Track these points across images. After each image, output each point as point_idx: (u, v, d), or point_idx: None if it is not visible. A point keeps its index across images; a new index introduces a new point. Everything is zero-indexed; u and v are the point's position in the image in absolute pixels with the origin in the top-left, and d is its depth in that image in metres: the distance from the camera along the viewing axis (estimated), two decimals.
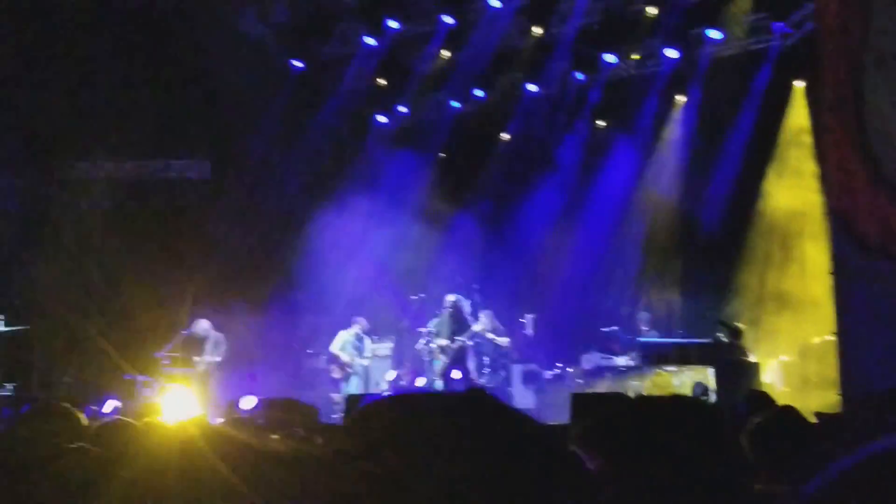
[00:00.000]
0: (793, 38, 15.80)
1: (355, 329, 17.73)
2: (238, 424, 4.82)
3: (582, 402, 10.40)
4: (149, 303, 17.91)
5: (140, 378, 16.52)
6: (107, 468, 3.78)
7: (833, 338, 13.66)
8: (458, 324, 15.56)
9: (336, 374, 17.65)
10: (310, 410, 11.90)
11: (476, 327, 16.77)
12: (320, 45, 18.71)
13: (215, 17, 19.02)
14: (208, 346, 17.10)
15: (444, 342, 15.53)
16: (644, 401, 2.08)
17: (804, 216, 15.98)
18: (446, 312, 15.64)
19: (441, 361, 16.90)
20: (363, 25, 18.41)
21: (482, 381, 16.64)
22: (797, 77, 16.31)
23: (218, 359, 17.06)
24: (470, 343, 15.76)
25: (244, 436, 4.05)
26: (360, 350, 17.65)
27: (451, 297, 15.83)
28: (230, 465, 3.43)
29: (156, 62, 18.91)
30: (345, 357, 17.59)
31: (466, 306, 16.44)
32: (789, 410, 4.66)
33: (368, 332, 18.17)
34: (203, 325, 17.15)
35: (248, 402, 11.48)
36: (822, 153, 9.87)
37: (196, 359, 17.08)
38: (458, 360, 15.68)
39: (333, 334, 18.55)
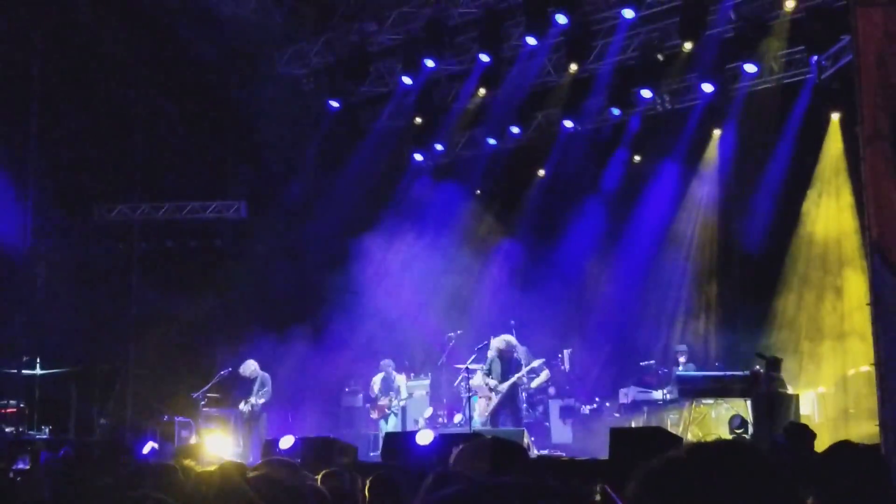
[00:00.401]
0: (829, 70, 15.75)
1: (382, 373, 17.73)
2: (277, 465, 4.81)
3: (621, 437, 10.35)
4: (187, 343, 18.04)
5: (178, 419, 16.58)
6: None
7: (870, 368, 13.55)
8: (510, 364, 15.50)
9: (374, 415, 17.65)
10: (349, 449, 11.95)
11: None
12: (356, 84, 18.86)
13: (253, 59, 19.30)
14: (255, 387, 17.13)
15: (493, 382, 15.46)
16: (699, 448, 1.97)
17: (842, 248, 15.89)
18: (496, 353, 15.59)
19: (486, 401, 16.87)
20: (399, 64, 18.56)
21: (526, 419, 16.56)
22: (834, 109, 16.24)
23: (264, 399, 17.08)
24: (522, 383, 15.72)
25: (282, 476, 4.06)
26: (392, 390, 17.63)
27: (506, 338, 15.77)
28: None
29: (193, 104, 19.17)
30: (382, 400, 17.59)
31: (519, 349, 16.39)
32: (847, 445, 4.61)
33: (405, 371, 18.17)
34: (251, 367, 17.18)
35: (287, 442, 11.54)
36: (861, 186, 9.80)
37: (243, 400, 17.12)
38: (509, 401, 15.57)
39: (371, 372, 18.59)
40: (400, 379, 17.75)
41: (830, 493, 3.90)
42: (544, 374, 16.95)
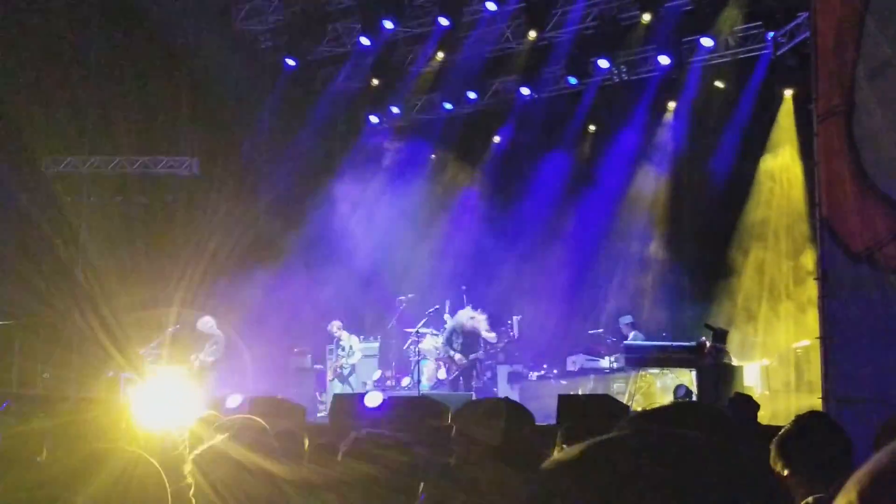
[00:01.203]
0: (784, 47, 15.90)
1: (331, 330, 17.82)
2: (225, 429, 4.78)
3: (569, 404, 10.50)
4: (135, 300, 17.88)
5: (123, 375, 16.45)
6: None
7: (813, 342, 13.82)
8: (473, 338, 15.79)
9: (329, 377, 17.72)
10: (297, 410, 11.96)
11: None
12: (314, 43, 18.70)
13: (209, 15, 19.04)
14: (208, 344, 17.02)
15: (458, 356, 15.86)
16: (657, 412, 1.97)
17: (790, 222, 16.11)
18: (460, 327, 15.89)
19: (435, 365, 17.03)
20: (358, 25, 18.42)
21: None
22: (787, 86, 16.41)
23: (212, 358, 16.97)
24: (481, 358, 16.15)
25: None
26: (340, 350, 17.69)
27: (474, 315, 16.04)
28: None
29: (146, 58, 18.88)
30: (330, 360, 17.65)
31: (478, 317, 16.55)
32: (821, 416, 4.69)
33: (355, 332, 18.21)
34: (209, 323, 17.04)
35: (235, 401, 11.52)
36: (813, 162, 9.94)
37: (192, 356, 17.01)
38: (469, 371, 15.96)
39: (320, 333, 18.59)
40: (352, 339, 17.76)
41: (803, 464, 3.95)
42: (492, 336, 17.08)
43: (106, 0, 18.39)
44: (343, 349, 17.69)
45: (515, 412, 4.00)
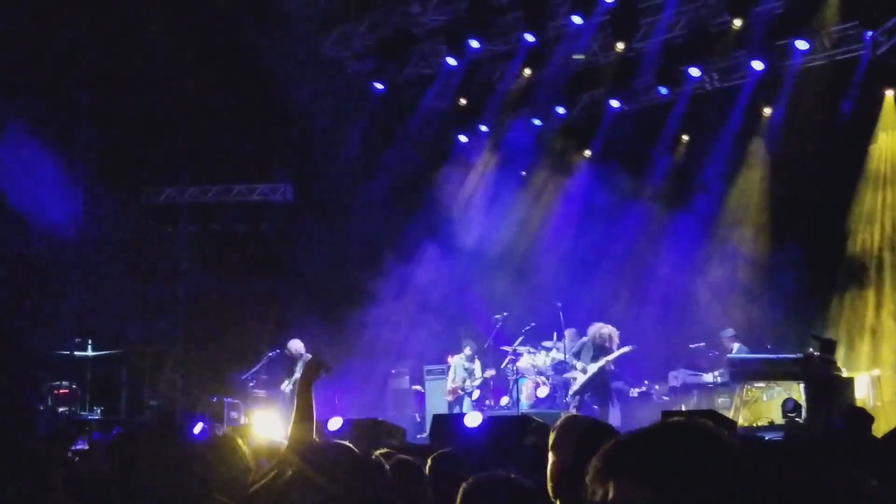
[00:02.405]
0: (883, 46, 15.42)
1: (465, 352, 17.64)
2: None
3: None
4: (235, 326, 18.15)
5: (227, 400, 16.70)
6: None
7: None
8: (601, 350, 15.40)
9: (448, 398, 17.53)
10: (397, 431, 11.94)
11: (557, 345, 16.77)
12: (401, 66, 18.79)
13: (297, 42, 19.29)
14: (297, 366, 17.17)
15: (580, 364, 15.47)
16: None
17: None
18: (591, 340, 15.55)
19: (533, 383, 16.84)
20: (444, 46, 18.46)
21: (567, 399, 16.49)
22: (888, 86, 15.93)
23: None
24: (611, 368, 15.60)
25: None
26: (470, 372, 17.54)
27: (603, 327, 15.67)
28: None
29: (238, 87, 19.20)
30: (456, 383, 17.49)
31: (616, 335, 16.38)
32: None
33: (452, 353, 18.15)
34: (296, 346, 17.20)
35: (335, 424, 11.54)
36: None
37: (286, 380, 17.18)
38: (598, 383, 15.47)
39: (416, 354, 18.62)
40: (476, 363, 17.62)
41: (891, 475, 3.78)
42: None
43: (199, 32, 18.74)
44: (466, 370, 17.56)
45: (592, 432, 3.82)
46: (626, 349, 15.43)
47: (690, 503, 1.81)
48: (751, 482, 1.85)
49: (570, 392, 15.56)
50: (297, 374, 17.06)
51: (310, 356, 17.12)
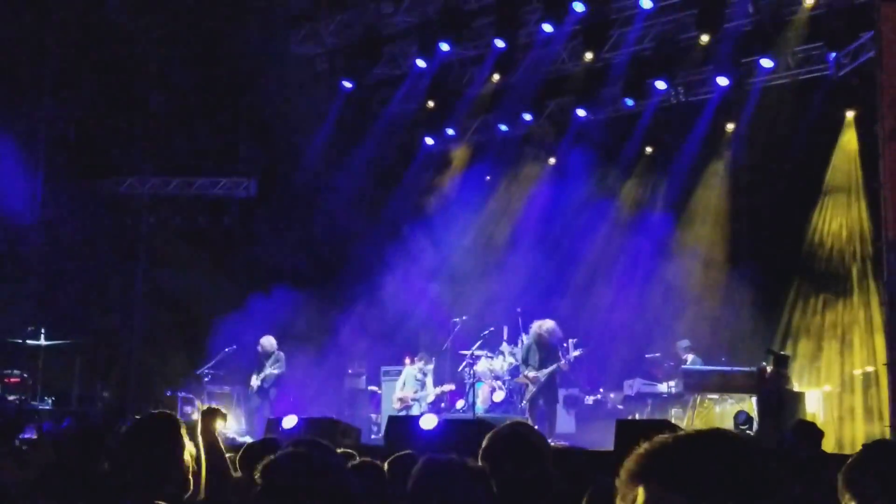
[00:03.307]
0: (847, 68, 15.64)
1: (419, 364, 17.57)
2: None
3: (627, 429, 10.30)
4: (193, 319, 18.03)
5: (181, 394, 16.59)
6: None
7: (875, 369, 13.52)
8: (549, 351, 15.26)
9: (396, 406, 17.43)
10: (352, 430, 11.93)
11: (506, 350, 16.78)
12: (370, 66, 18.78)
13: (266, 38, 19.22)
14: (270, 361, 17.15)
15: (532, 373, 15.27)
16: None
17: (853, 248, 15.82)
18: (534, 339, 15.36)
19: (489, 388, 16.81)
20: (414, 47, 18.48)
21: (523, 404, 16.54)
22: (849, 107, 16.15)
23: (277, 371, 17.09)
24: (559, 370, 15.42)
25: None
26: (422, 384, 17.47)
27: (546, 324, 15.47)
28: None
29: (205, 80, 19.10)
30: (406, 391, 17.41)
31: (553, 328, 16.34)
32: (890, 445, 4.52)
33: (408, 355, 18.11)
34: (270, 341, 17.17)
35: (290, 422, 11.51)
36: (878, 184, 9.73)
37: (254, 376, 17.13)
38: (547, 388, 15.32)
39: (375, 355, 18.59)
40: (429, 378, 17.56)
41: (872, 495, 3.82)
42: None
43: (168, 23, 18.63)
44: (418, 380, 17.46)
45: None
46: (576, 353, 15.45)
47: None
48: (785, 496, 1.85)
49: (524, 399, 15.50)
50: (268, 371, 17.02)
51: (281, 353, 17.11)
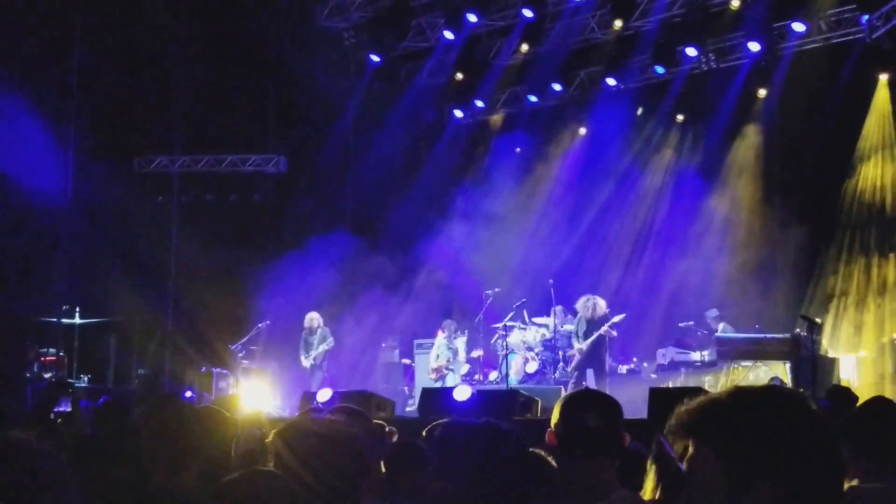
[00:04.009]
0: (880, 30, 15.40)
1: (445, 332, 17.61)
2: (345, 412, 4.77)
3: (660, 397, 10.28)
4: (226, 296, 18.13)
5: (216, 371, 16.70)
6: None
7: None
8: (594, 324, 15.38)
9: (432, 377, 17.52)
10: (386, 403, 11.98)
11: (547, 321, 16.79)
12: (398, 39, 18.72)
13: (293, 13, 19.20)
14: (316, 339, 17.30)
15: (578, 345, 15.48)
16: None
17: (888, 210, 15.65)
18: (582, 315, 15.52)
19: (523, 359, 16.88)
20: (442, 19, 18.39)
21: (556, 375, 16.55)
22: (883, 70, 15.93)
23: (328, 347, 17.24)
24: (613, 334, 15.54)
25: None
26: (454, 352, 17.51)
27: (591, 299, 15.59)
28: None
29: (234, 57, 19.10)
30: (440, 361, 17.47)
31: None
32: (887, 400, 4.53)
33: (442, 328, 18.14)
34: (317, 319, 17.34)
35: (325, 395, 11.57)
36: None
37: (304, 355, 17.28)
38: (594, 356, 15.45)
39: (407, 329, 18.65)
40: (459, 342, 17.61)
41: (866, 447, 3.85)
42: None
43: (194, 2, 18.64)
44: (451, 349, 17.53)
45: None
46: (619, 317, 15.47)
47: (749, 466, 1.81)
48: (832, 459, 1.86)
49: (570, 367, 15.65)
50: (319, 348, 17.16)
51: (326, 328, 17.28)
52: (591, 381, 15.13)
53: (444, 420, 3.77)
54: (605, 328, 15.24)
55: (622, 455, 3.68)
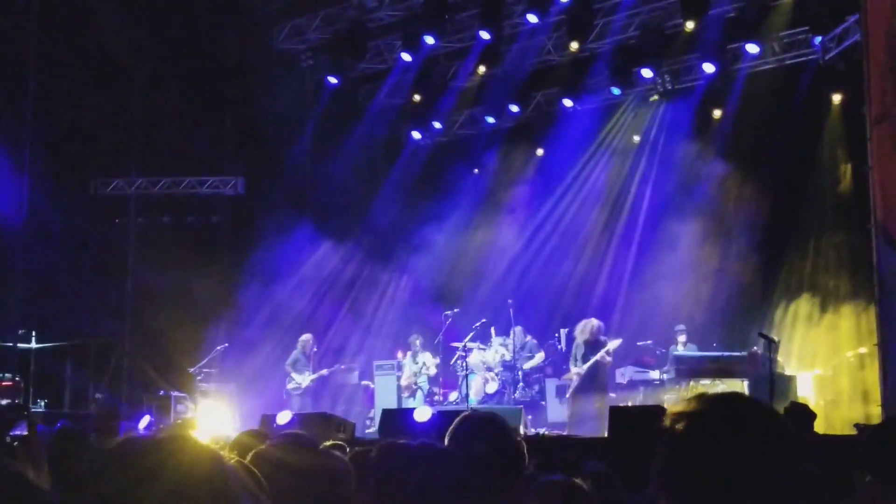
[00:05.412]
0: (833, 52, 15.66)
1: (415, 346, 17.62)
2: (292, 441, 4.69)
3: (620, 416, 10.34)
4: (184, 319, 17.99)
5: (174, 394, 16.56)
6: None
7: (866, 350, 13.58)
8: (593, 348, 15.18)
9: (405, 394, 17.50)
10: (346, 425, 11.92)
11: (497, 341, 16.86)
12: (355, 61, 18.75)
13: (250, 35, 19.17)
14: (313, 362, 17.23)
15: (576, 369, 15.25)
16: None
17: (843, 228, 15.85)
18: (582, 339, 15.32)
19: (482, 379, 16.90)
20: (399, 41, 18.45)
21: (516, 395, 16.57)
22: (836, 91, 16.18)
23: (325, 373, 17.33)
24: (608, 360, 15.36)
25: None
26: (420, 365, 17.50)
27: (590, 323, 15.43)
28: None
29: (190, 79, 19.03)
30: (409, 378, 17.45)
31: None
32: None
33: (401, 348, 18.14)
34: (310, 339, 17.24)
35: (284, 417, 11.52)
36: (866, 167, 9.77)
37: (299, 374, 17.23)
38: (591, 380, 15.23)
39: (367, 349, 18.61)
40: (425, 355, 17.58)
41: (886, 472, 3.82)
42: (539, 357, 16.95)
43: (152, 22, 18.55)
44: (417, 363, 17.53)
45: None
46: (615, 342, 15.30)
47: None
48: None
49: (569, 392, 15.45)
50: (318, 373, 17.10)
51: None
52: (588, 403, 14.89)
53: (381, 443, 3.74)
54: (601, 354, 14.98)
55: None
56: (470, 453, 3.64)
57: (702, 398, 2.02)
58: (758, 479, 1.90)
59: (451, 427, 3.93)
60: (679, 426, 1.95)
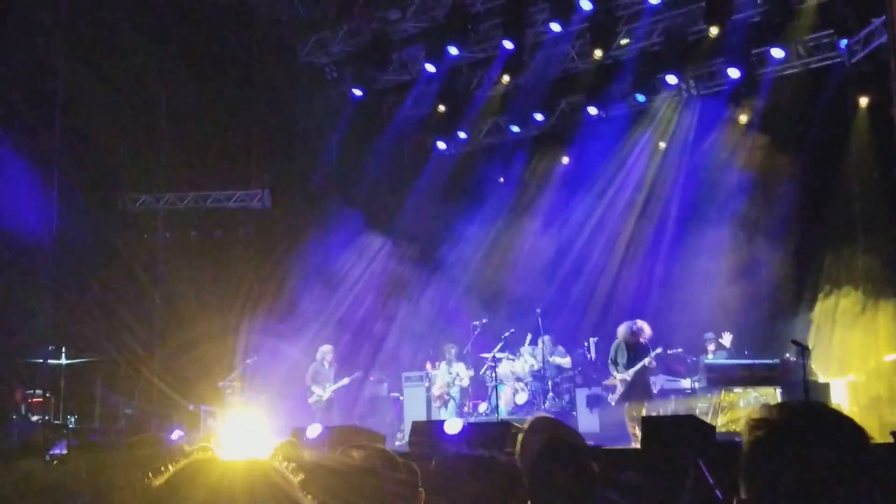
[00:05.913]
0: (859, 54, 15.53)
1: (448, 356, 17.60)
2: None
3: (653, 426, 10.25)
4: (214, 332, 18.05)
5: (204, 408, 16.60)
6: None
7: None
8: (636, 351, 14.77)
9: (437, 404, 17.47)
10: (376, 437, 11.90)
11: (527, 351, 16.79)
12: (379, 72, 18.80)
13: (276, 50, 19.25)
14: (333, 373, 17.22)
15: (619, 374, 14.79)
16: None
17: (875, 233, 15.70)
18: (622, 341, 14.87)
19: (512, 390, 16.86)
20: (423, 52, 18.48)
21: (546, 405, 16.51)
22: (862, 93, 16.04)
23: (345, 383, 17.22)
24: (652, 365, 14.98)
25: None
26: (453, 376, 17.46)
27: (636, 324, 14.99)
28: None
29: (216, 94, 19.12)
30: (441, 388, 17.41)
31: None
32: None
33: (430, 359, 18.14)
34: (331, 353, 17.26)
35: (314, 430, 11.52)
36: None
37: (320, 385, 17.25)
38: (639, 386, 14.80)
39: (395, 361, 18.60)
40: (459, 365, 17.52)
41: None
42: (566, 360, 16.88)
43: (178, 38, 18.67)
44: (451, 373, 17.48)
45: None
46: (657, 350, 14.98)
47: None
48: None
49: (613, 398, 15.06)
50: (344, 380, 17.11)
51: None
52: (636, 411, 14.51)
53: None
54: (648, 360, 14.49)
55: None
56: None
57: (785, 406, 2.05)
58: (840, 488, 1.93)
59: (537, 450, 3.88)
60: (760, 433, 1.98)
